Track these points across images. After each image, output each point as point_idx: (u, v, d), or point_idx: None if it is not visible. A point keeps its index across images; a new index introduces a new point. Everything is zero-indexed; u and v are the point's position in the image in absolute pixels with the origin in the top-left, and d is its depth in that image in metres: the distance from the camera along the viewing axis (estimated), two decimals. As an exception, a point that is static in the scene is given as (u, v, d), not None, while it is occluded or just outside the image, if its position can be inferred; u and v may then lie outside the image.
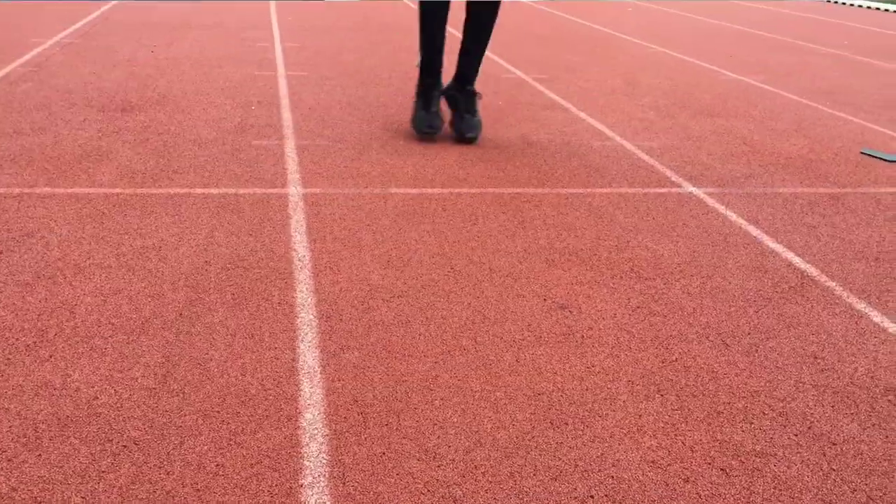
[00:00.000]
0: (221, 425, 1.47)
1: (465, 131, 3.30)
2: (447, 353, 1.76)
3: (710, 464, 1.46)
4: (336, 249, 2.22)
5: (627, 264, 2.25)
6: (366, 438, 1.46)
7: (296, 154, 3.03)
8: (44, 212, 2.37)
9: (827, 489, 1.42)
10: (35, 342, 1.70)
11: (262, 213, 2.44)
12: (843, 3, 10.00)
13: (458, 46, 3.32)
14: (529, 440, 1.49)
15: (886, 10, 9.54)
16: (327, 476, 1.36)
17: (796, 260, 2.35)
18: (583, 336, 1.86)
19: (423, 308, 1.94)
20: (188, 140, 3.14)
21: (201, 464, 1.37)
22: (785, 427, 1.59)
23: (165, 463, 1.36)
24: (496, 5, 3.23)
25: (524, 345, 1.81)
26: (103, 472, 1.33)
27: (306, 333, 1.79)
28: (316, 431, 1.47)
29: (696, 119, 3.89)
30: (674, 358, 1.80)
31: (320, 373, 1.65)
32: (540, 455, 1.45)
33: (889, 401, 1.69)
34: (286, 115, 3.56)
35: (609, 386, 1.68)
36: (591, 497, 1.36)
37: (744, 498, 1.39)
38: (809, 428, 1.59)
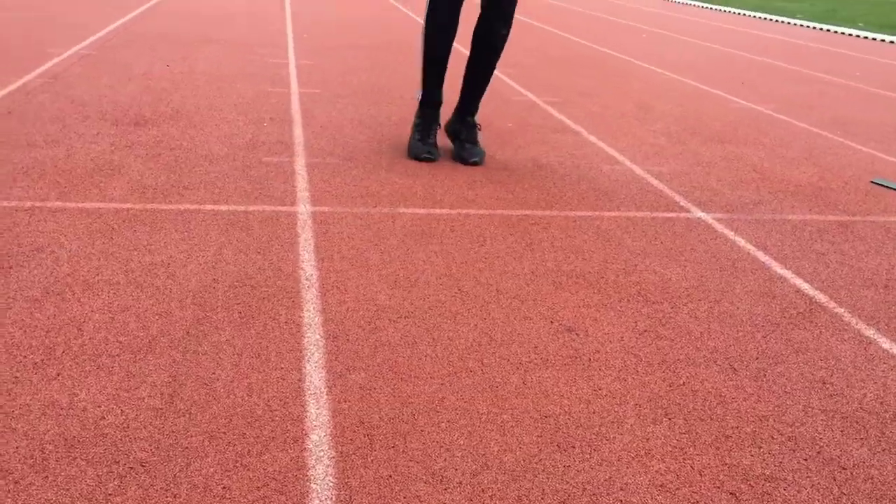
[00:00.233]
0: (228, 447, 1.47)
1: (466, 157, 3.31)
2: (454, 374, 1.75)
3: (719, 488, 1.46)
4: (344, 269, 2.23)
5: (635, 288, 2.25)
6: (372, 461, 1.46)
7: (306, 172, 3.04)
8: (54, 226, 2.38)
9: (836, 517, 1.41)
10: (43, 360, 1.70)
11: (270, 230, 2.45)
12: (854, 36, 10.03)
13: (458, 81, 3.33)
14: (537, 463, 1.48)
15: (892, 42, 9.57)
16: (334, 499, 1.36)
17: (805, 286, 2.34)
18: (590, 359, 1.86)
19: (430, 329, 1.94)
20: (199, 156, 3.15)
21: (208, 486, 1.36)
22: (794, 452, 1.58)
23: (172, 486, 1.36)
24: (500, 41, 3.25)
25: (531, 367, 1.80)
26: (110, 494, 1.33)
27: (313, 353, 1.79)
28: (322, 454, 1.47)
29: (706, 145, 3.89)
30: (681, 382, 1.79)
31: (326, 394, 1.65)
32: (547, 478, 1.45)
33: (898, 427, 1.68)
34: (297, 133, 3.58)
35: (616, 409, 1.67)
36: (599, 522, 1.35)
37: (752, 525, 1.38)
38: (819, 453, 1.58)
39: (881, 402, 1.77)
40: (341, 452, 1.47)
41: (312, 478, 1.40)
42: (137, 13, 7.04)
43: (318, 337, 1.86)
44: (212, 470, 1.40)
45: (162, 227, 2.43)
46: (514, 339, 1.92)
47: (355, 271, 2.22)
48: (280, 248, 2.33)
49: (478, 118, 3.43)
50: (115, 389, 1.61)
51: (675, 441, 1.58)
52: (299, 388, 1.66)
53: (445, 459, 1.48)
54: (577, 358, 1.86)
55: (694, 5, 12.89)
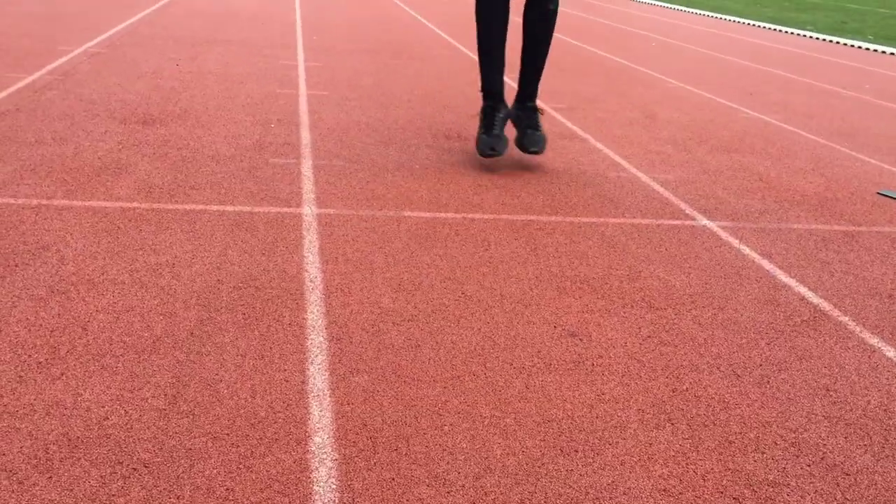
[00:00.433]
0: (231, 448, 1.47)
1: (527, 145, 3.31)
2: (457, 378, 1.75)
3: (722, 493, 1.45)
4: (348, 271, 2.23)
5: (639, 294, 2.25)
6: (375, 464, 1.46)
7: (312, 173, 3.04)
8: (60, 224, 2.38)
9: (839, 524, 1.41)
10: (47, 359, 1.70)
11: (275, 232, 2.45)
12: (863, 48, 10.02)
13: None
14: (539, 467, 1.48)
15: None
16: (336, 502, 1.36)
17: (809, 294, 2.34)
18: (593, 364, 1.86)
19: (434, 332, 1.94)
20: (206, 156, 3.16)
21: (211, 488, 1.37)
22: (797, 457, 1.57)
23: (175, 487, 1.36)
24: (550, 19, 3.25)
25: (534, 371, 1.81)
26: (113, 495, 1.33)
27: (316, 356, 1.79)
28: (325, 456, 1.47)
29: (712, 154, 3.89)
30: (684, 387, 1.79)
31: (330, 396, 1.65)
32: (550, 482, 1.45)
33: (902, 435, 1.68)
34: (304, 134, 3.59)
35: (619, 414, 1.67)
36: (601, 527, 1.35)
37: (755, 531, 1.38)
38: (822, 458, 1.58)
39: (885, 410, 1.77)
40: (344, 455, 1.47)
41: (315, 480, 1.40)
42: (148, 12, 7.06)
43: (321, 339, 1.87)
44: (215, 471, 1.40)
45: (168, 226, 2.44)
46: (517, 343, 1.92)
47: (359, 274, 2.22)
48: (285, 250, 2.33)
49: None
50: (118, 390, 1.62)
51: (678, 446, 1.58)
52: (302, 390, 1.66)
53: (448, 463, 1.48)
54: (580, 363, 1.86)
55: (706, 15, 12.90)
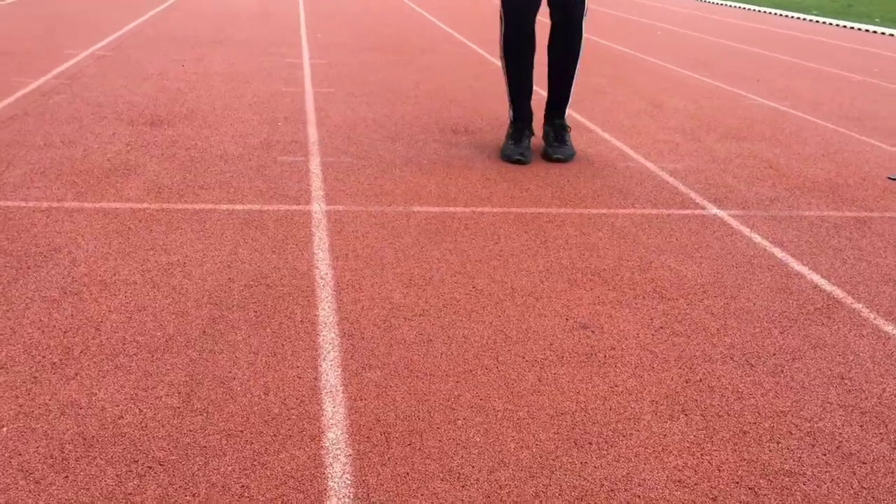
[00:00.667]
0: (245, 445, 1.47)
1: (551, 153, 3.33)
2: (469, 372, 1.75)
3: (737, 483, 1.45)
4: (358, 267, 2.23)
5: (650, 285, 2.24)
6: (389, 459, 1.46)
7: (320, 171, 3.04)
8: (71, 226, 2.39)
9: (856, 512, 1.40)
10: (61, 360, 1.71)
11: (285, 230, 2.46)
12: (871, 31, 9.96)
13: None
14: (553, 460, 1.48)
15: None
16: (351, 497, 1.36)
17: (822, 282, 2.33)
18: (605, 356, 1.85)
19: (445, 327, 1.94)
20: (214, 155, 3.17)
21: (226, 485, 1.37)
22: (813, 447, 1.57)
23: (191, 484, 1.37)
24: (576, 42, 3.27)
25: (546, 364, 1.80)
26: (129, 494, 1.34)
27: (328, 352, 1.80)
28: (339, 451, 1.47)
29: (721, 142, 3.87)
30: (698, 378, 1.79)
31: (342, 392, 1.65)
32: (565, 475, 1.44)
33: (918, 422, 1.67)
34: (312, 132, 3.59)
35: (633, 405, 1.67)
36: (617, 519, 1.35)
37: (771, 521, 1.37)
38: (838, 447, 1.57)
39: (900, 397, 1.76)
40: (358, 450, 1.48)
41: (330, 476, 1.41)
42: (152, 14, 7.07)
43: (333, 335, 1.87)
44: (230, 468, 1.41)
45: (178, 226, 2.44)
46: (529, 336, 1.92)
47: (370, 270, 2.22)
48: (295, 247, 2.34)
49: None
50: (132, 389, 1.62)
51: (692, 437, 1.58)
52: (315, 386, 1.66)
53: (462, 457, 1.48)
54: (592, 355, 1.85)
55: (711, 3, 12.84)
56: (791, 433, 1.61)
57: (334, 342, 1.84)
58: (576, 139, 3.74)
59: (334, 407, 1.60)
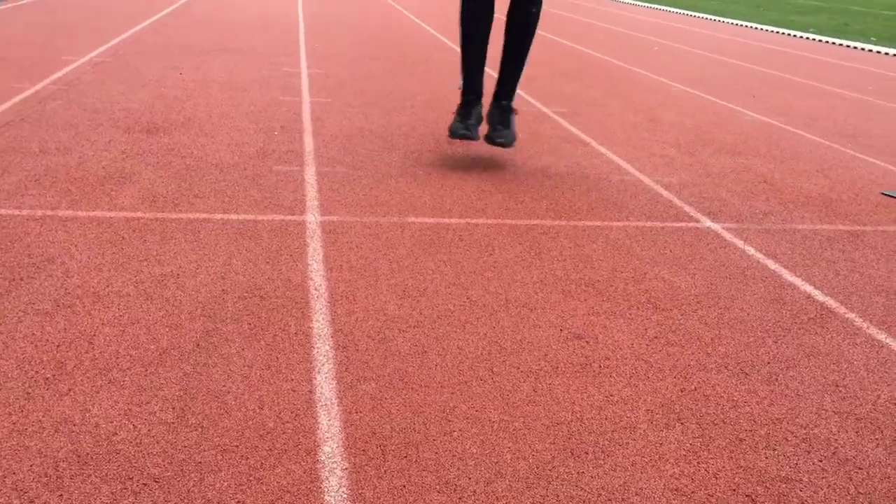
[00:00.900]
0: (241, 460, 1.46)
1: (494, 137, 3.31)
2: (464, 383, 1.75)
3: (734, 490, 1.45)
4: (352, 279, 2.23)
5: (644, 296, 2.24)
6: (385, 471, 1.46)
7: (315, 181, 3.04)
8: (65, 236, 2.38)
9: (853, 520, 1.40)
10: (54, 375, 1.70)
11: (279, 240, 2.45)
12: (867, 50, 10.01)
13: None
14: (550, 470, 1.48)
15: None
16: (347, 510, 1.35)
17: (815, 292, 2.33)
18: (600, 366, 1.85)
19: (440, 338, 1.94)
20: (210, 164, 3.16)
21: (222, 501, 1.36)
22: (809, 453, 1.57)
23: (186, 501, 1.36)
24: (532, 22, 3.25)
25: (541, 375, 1.80)
26: (123, 507, 1.33)
27: (323, 364, 1.79)
28: (335, 465, 1.47)
29: (716, 157, 3.88)
30: (693, 387, 1.79)
31: (337, 405, 1.65)
32: (562, 485, 1.44)
33: (913, 429, 1.67)
34: (308, 141, 3.59)
35: (628, 415, 1.67)
36: (614, 530, 1.35)
37: (768, 530, 1.37)
38: (834, 453, 1.57)
39: (895, 404, 1.76)
40: (354, 464, 1.47)
41: (326, 490, 1.40)
42: (151, 21, 7.07)
43: (327, 348, 1.86)
44: (226, 484, 1.40)
45: (172, 236, 2.44)
46: (523, 347, 1.92)
47: (364, 281, 2.22)
48: (289, 258, 2.33)
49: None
50: (126, 404, 1.61)
51: (688, 445, 1.58)
52: (310, 399, 1.66)
53: (458, 468, 1.47)
54: (587, 365, 1.85)
55: (708, 19, 12.88)
56: (787, 440, 1.61)
57: (329, 354, 1.83)
58: (571, 152, 3.74)
59: (329, 420, 1.60)
